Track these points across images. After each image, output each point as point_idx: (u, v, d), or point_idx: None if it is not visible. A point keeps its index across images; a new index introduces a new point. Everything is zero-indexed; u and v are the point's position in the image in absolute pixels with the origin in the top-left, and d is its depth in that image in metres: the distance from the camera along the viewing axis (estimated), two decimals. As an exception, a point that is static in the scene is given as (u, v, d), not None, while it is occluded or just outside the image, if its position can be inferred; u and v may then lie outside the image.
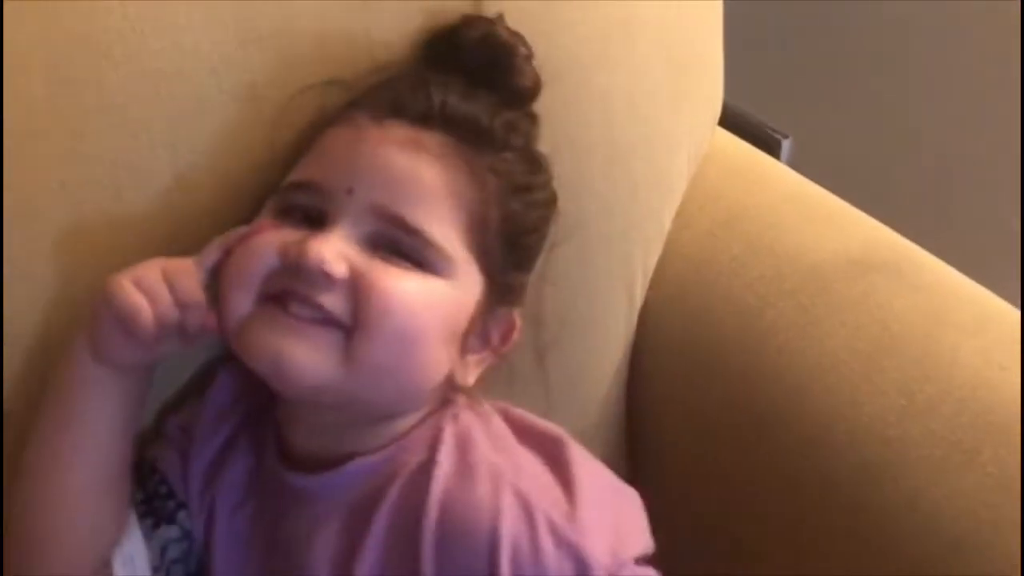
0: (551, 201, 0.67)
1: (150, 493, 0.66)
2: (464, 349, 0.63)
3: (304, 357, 0.57)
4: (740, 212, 0.85)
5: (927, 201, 1.42)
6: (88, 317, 0.61)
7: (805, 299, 0.80)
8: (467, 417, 0.63)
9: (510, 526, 0.57)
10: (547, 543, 0.57)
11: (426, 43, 0.68)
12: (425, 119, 0.61)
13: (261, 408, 0.67)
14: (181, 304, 0.59)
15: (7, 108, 0.61)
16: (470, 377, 0.63)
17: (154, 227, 0.66)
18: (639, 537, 0.63)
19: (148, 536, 0.65)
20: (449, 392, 0.64)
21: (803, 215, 0.85)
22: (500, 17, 0.67)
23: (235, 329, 0.59)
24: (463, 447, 0.61)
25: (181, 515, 0.67)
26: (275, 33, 0.66)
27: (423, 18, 0.68)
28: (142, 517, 0.66)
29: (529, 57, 0.67)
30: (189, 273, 0.59)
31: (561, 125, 0.73)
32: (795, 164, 0.99)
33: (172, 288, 0.59)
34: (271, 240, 0.59)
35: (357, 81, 0.66)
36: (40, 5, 0.62)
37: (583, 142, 0.77)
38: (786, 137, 1.55)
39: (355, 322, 0.57)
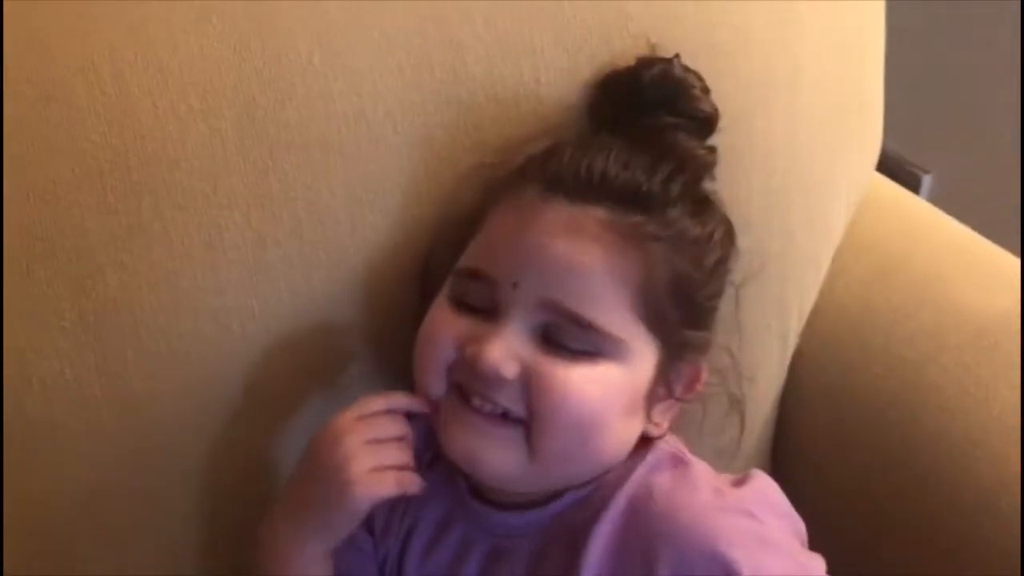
0: (726, 243, 0.66)
1: None
2: (649, 411, 0.64)
3: (493, 456, 0.61)
4: (900, 261, 0.83)
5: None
6: (288, 508, 0.64)
7: (970, 357, 0.77)
8: (665, 448, 0.65)
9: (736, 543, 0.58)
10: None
11: (603, 83, 0.69)
12: (584, 193, 0.62)
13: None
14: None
15: (203, 144, 0.63)
16: (661, 429, 0.65)
17: (331, 265, 0.67)
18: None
19: None
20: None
21: (967, 267, 0.82)
22: (677, 57, 0.68)
23: (434, 417, 0.64)
24: (676, 465, 0.63)
25: None
26: (447, 78, 0.67)
27: (591, 71, 0.69)
28: None
29: (707, 89, 0.67)
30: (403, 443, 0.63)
31: (719, 173, 0.72)
32: (936, 200, 0.95)
33: (391, 457, 0.63)
34: (450, 332, 0.62)
35: (524, 149, 0.66)
36: (232, 43, 0.63)
37: (741, 190, 0.75)
38: (927, 173, 1.51)
39: (532, 417, 0.60)
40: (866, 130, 0.85)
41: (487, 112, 0.67)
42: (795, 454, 0.83)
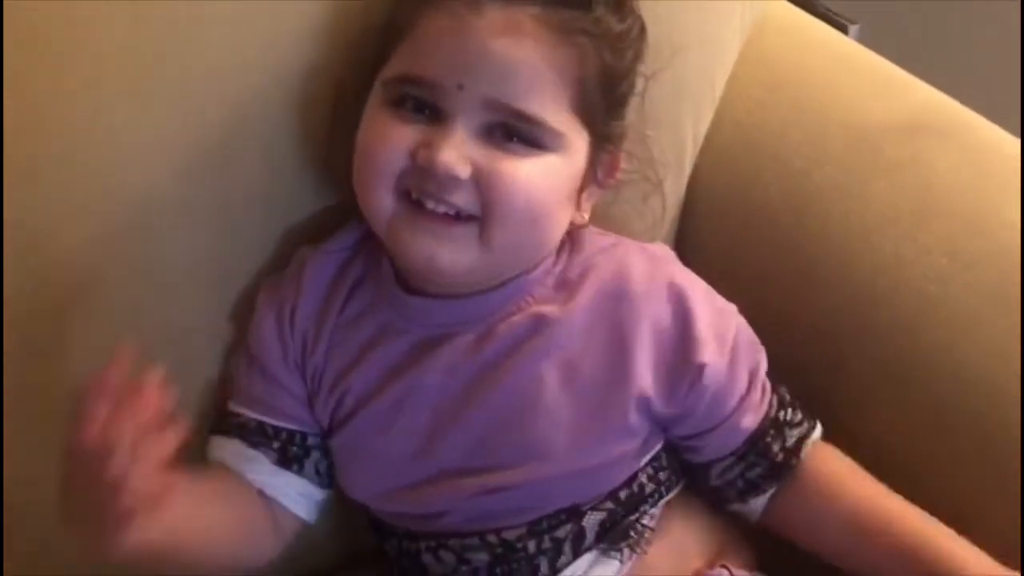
0: (640, 37, 0.70)
1: (280, 446, 0.71)
2: (579, 200, 0.69)
3: (450, 255, 0.65)
4: (791, 76, 0.86)
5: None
6: None
7: (852, 162, 0.81)
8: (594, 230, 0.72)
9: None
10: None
11: None
12: None
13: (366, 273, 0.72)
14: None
15: None
16: (585, 215, 0.71)
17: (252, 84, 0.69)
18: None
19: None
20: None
21: (856, 79, 0.85)
22: None
23: (384, 227, 0.66)
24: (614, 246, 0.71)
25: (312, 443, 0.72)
26: None
27: None
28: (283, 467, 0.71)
29: None
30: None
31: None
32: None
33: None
34: (399, 139, 0.64)
35: None
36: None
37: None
38: (854, 23, 1.52)
39: (485, 212, 0.64)
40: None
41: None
42: (697, 257, 0.86)
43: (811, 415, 0.73)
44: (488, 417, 0.68)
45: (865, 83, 0.86)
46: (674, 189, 0.85)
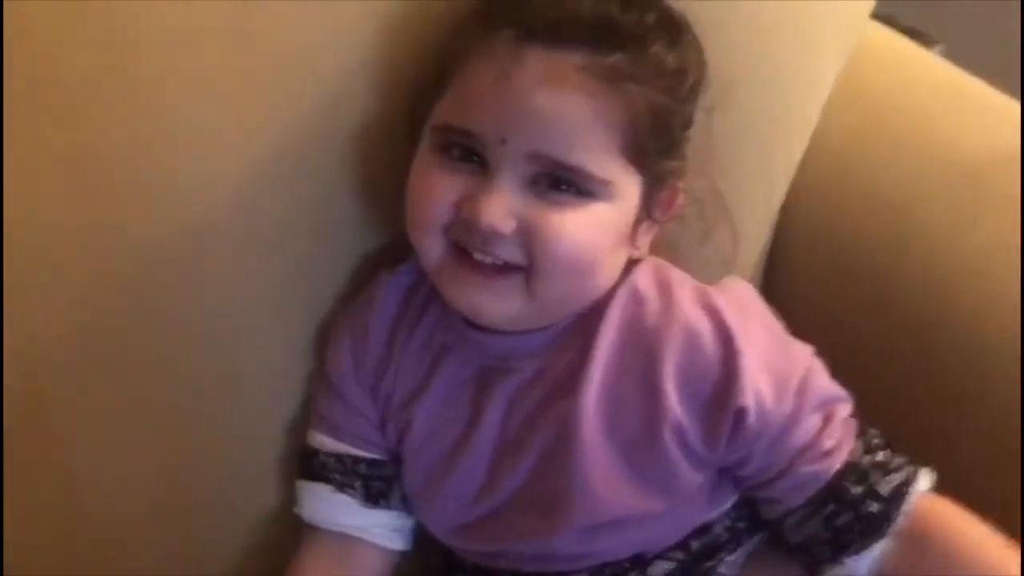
0: (698, 70, 0.67)
1: (363, 483, 0.72)
2: (634, 235, 0.67)
3: (496, 305, 0.65)
4: (889, 105, 0.83)
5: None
6: None
7: (956, 196, 0.77)
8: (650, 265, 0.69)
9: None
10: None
11: None
12: (560, 38, 0.61)
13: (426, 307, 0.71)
14: None
15: None
16: (643, 251, 0.69)
17: (314, 103, 0.68)
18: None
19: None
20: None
21: (957, 107, 0.82)
22: None
23: (433, 272, 0.67)
24: (661, 282, 0.68)
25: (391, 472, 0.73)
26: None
27: None
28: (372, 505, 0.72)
29: None
30: None
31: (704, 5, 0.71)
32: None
33: None
34: (445, 190, 0.64)
35: None
36: None
37: (727, 21, 0.74)
38: (939, 43, 1.48)
39: (531, 263, 0.63)
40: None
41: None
42: (786, 291, 0.83)
43: (915, 461, 0.67)
44: (540, 455, 0.67)
45: (967, 112, 0.82)
46: (761, 222, 0.82)
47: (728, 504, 0.69)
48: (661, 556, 0.68)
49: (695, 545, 0.68)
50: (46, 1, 0.62)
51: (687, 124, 0.67)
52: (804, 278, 0.83)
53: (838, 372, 0.68)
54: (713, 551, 0.69)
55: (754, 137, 0.75)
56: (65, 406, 0.68)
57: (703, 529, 0.68)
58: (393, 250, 0.73)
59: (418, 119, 0.67)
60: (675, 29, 0.65)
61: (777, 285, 0.84)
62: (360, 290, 0.73)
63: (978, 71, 0.95)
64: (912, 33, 1.44)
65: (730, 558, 0.69)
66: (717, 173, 0.72)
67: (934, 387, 0.76)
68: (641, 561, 0.68)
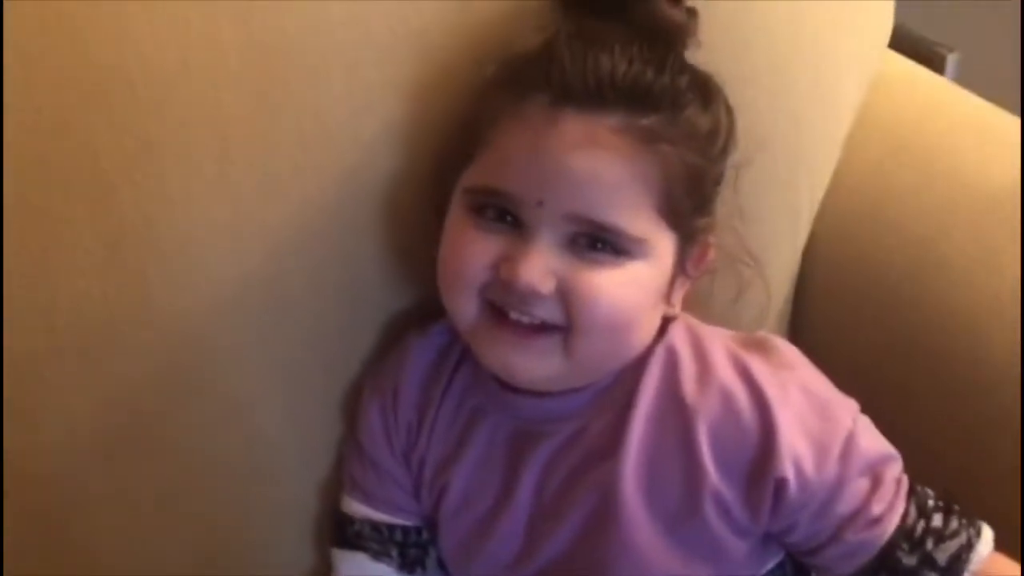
0: (730, 130, 0.67)
1: (399, 551, 0.72)
2: (669, 292, 0.67)
3: (531, 364, 0.64)
4: (912, 139, 0.82)
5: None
6: None
7: (982, 229, 0.77)
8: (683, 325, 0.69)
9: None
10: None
11: None
12: (595, 101, 0.61)
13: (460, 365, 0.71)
14: None
15: (204, 56, 0.64)
16: (677, 308, 0.68)
17: (338, 175, 0.69)
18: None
19: None
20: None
21: (979, 138, 0.82)
22: None
23: (467, 333, 0.66)
24: (696, 344, 0.67)
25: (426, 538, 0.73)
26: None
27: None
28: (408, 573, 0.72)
29: None
30: None
31: (720, 52, 0.71)
32: (962, 80, 0.94)
33: None
34: (480, 255, 0.64)
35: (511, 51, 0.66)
36: None
37: (744, 70, 0.74)
38: (952, 51, 1.47)
39: (569, 323, 0.63)
40: (874, 4, 0.83)
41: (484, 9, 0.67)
42: (813, 332, 0.83)
43: (972, 521, 0.65)
44: (581, 522, 0.66)
45: (990, 143, 0.81)
46: (788, 265, 0.82)
47: (774, 563, 0.69)
48: None
49: None
50: (77, 93, 0.63)
51: (718, 181, 0.67)
52: (827, 315, 0.83)
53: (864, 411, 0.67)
54: None
55: (778, 181, 0.75)
56: (87, 489, 0.68)
57: None
58: (419, 311, 0.73)
59: (444, 184, 0.67)
60: (707, 91, 0.65)
61: (802, 325, 0.84)
62: (387, 352, 0.73)
63: (992, 79, 0.94)
64: (925, 43, 1.44)
65: None
66: (744, 223, 0.72)
67: (962, 426, 0.75)
68: None
